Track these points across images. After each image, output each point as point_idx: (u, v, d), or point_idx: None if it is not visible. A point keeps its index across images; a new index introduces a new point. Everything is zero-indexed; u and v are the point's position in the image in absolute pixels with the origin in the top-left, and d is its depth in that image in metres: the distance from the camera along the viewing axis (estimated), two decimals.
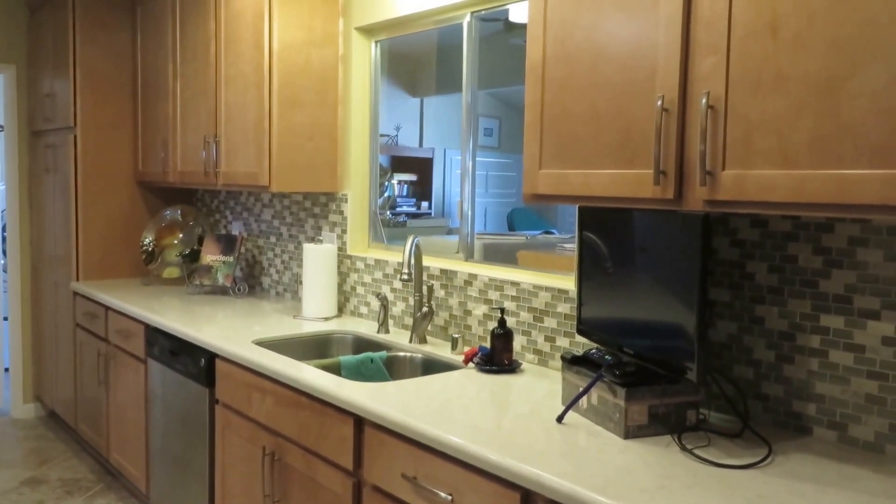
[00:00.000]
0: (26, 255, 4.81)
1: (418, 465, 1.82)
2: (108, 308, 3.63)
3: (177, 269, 4.01)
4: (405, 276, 2.47)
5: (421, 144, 6.03)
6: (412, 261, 2.53)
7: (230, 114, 3.28)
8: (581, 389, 1.84)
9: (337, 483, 2.11)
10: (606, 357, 1.86)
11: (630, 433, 1.72)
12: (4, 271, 5.03)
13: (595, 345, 2.10)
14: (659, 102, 1.59)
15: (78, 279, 4.10)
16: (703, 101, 1.51)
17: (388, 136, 5.69)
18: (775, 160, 1.42)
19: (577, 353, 1.96)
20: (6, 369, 5.02)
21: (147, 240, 4.05)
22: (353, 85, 3.20)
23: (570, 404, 1.81)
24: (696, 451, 1.64)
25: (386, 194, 5.29)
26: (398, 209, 5.64)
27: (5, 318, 4.95)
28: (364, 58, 3.21)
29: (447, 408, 1.93)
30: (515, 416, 1.87)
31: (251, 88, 3.11)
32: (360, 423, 2.03)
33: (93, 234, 4.12)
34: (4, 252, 5.13)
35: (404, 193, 5.89)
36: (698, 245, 1.59)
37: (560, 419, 1.83)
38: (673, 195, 1.59)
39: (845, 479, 1.51)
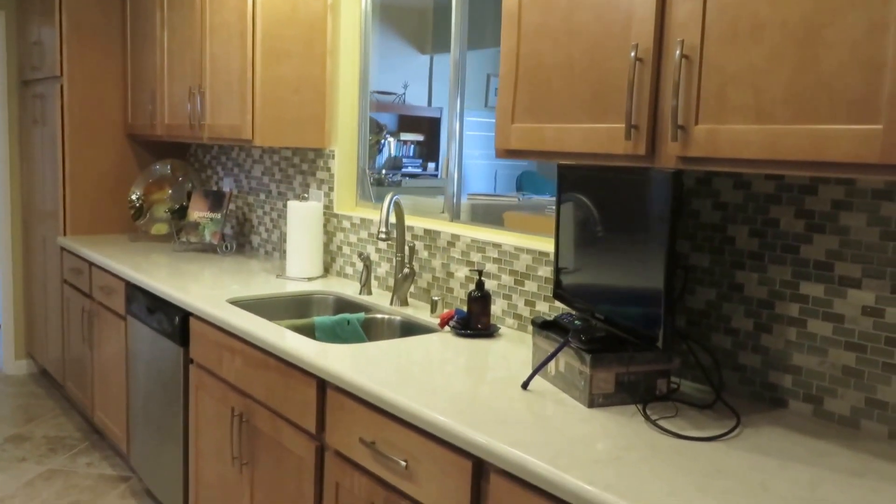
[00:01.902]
0: (17, 209, 4.84)
1: (377, 430, 1.81)
2: (91, 264, 3.65)
3: (165, 225, 4.02)
4: (382, 235, 2.45)
5: (430, 104, 5.96)
6: (390, 219, 2.50)
7: (215, 65, 3.25)
8: (547, 356, 1.81)
9: (301, 446, 2.11)
10: (576, 322, 1.83)
11: (595, 402, 1.69)
12: None
13: (570, 310, 2.07)
14: (633, 52, 1.54)
15: (65, 234, 4.12)
16: (678, 51, 1.45)
17: (394, 94, 5.63)
18: (749, 115, 1.37)
19: (548, 318, 1.93)
20: None
21: (135, 195, 4.06)
22: (343, 36, 3.14)
23: (536, 371, 1.79)
24: (661, 422, 1.61)
25: (387, 154, 5.25)
26: (404, 170, 5.60)
27: None
28: (354, 8, 3.16)
29: (413, 372, 1.91)
30: (483, 383, 1.85)
31: (235, 38, 3.07)
32: (324, 385, 2.02)
33: (81, 189, 4.13)
34: None
35: (410, 154, 5.84)
36: (669, 202, 1.54)
37: (525, 385, 1.80)
38: (645, 151, 1.55)
39: (813, 455, 1.48)
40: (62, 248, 4.09)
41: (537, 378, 1.88)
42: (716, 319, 1.84)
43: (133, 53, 4.05)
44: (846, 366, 1.61)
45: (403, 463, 1.71)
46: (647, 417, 1.63)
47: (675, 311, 1.88)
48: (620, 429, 1.57)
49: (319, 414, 2.04)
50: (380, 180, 4.58)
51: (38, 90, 4.39)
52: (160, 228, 4.02)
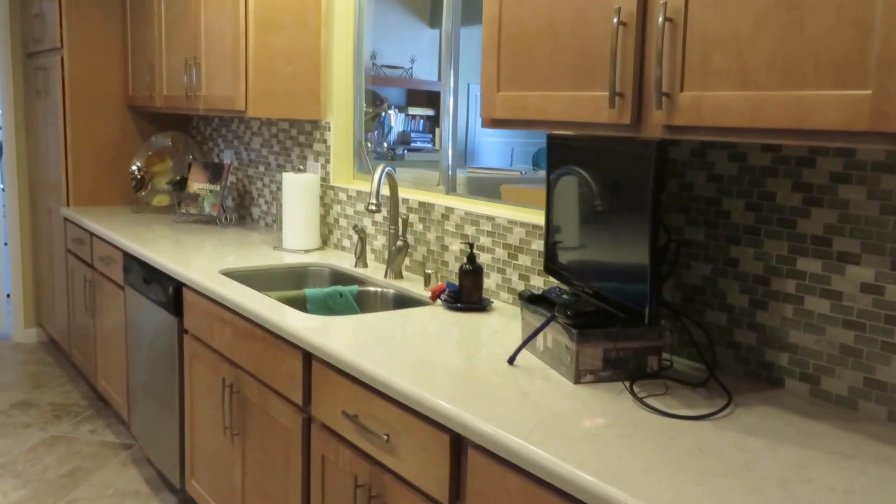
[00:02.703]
0: (23, 180, 4.79)
1: (359, 403, 1.74)
2: (92, 234, 3.59)
3: (166, 196, 3.95)
4: (372, 207, 2.36)
5: (439, 78, 5.83)
6: (380, 190, 2.41)
7: (210, 36, 3.15)
8: (533, 330, 1.73)
9: (288, 418, 2.05)
10: (564, 297, 1.75)
11: (581, 378, 1.61)
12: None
13: (561, 284, 1.99)
14: (616, 17, 1.43)
15: (68, 205, 4.06)
16: (661, 14, 1.35)
17: (401, 68, 5.51)
18: (734, 81, 1.27)
19: (537, 292, 1.85)
20: (8, 295, 5.06)
21: (136, 166, 3.99)
22: (338, 7, 3.04)
23: (522, 346, 1.71)
24: (648, 400, 1.53)
25: (389, 127, 5.14)
26: (413, 144, 5.49)
27: (6, 244, 4.97)
28: None
29: (400, 345, 1.84)
30: (469, 357, 1.77)
31: (228, 7, 2.98)
32: (309, 357, 1.95)
33: (83, 160, 4.07)
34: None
35: (419, 129, 5.73)
36: (652, 172, 1.45)
37: (511, 361, 1.73)
38: (630, 119, 1.45)
39: (804, 436, 1.39)
40: (65, 219, 4.04)
41: (525, 353, 1.80)
42: (710, 295, 1.75)
43: (133, 24, 3.96)
44: (844, 344, 1.52)
45: (385, 437, 1.65)
46: (633, 395, 1.55)
47: (661, 285, 1.79)
48: (604, 406, 1.50)
49: (306, 386, 1.97)
50: (388, 154, 4.49)
51: (41, 62, 4.31)
52: (161, 200, 3.96)
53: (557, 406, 1.48)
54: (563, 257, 1.86)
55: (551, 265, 1.94)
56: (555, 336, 1.69)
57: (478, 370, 1.68)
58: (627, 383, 1.61)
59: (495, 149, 5.75)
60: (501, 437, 1.33)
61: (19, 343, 4.88)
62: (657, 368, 1.68)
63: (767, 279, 1.64)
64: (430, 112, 5.76)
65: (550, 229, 1.94)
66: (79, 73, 3.99)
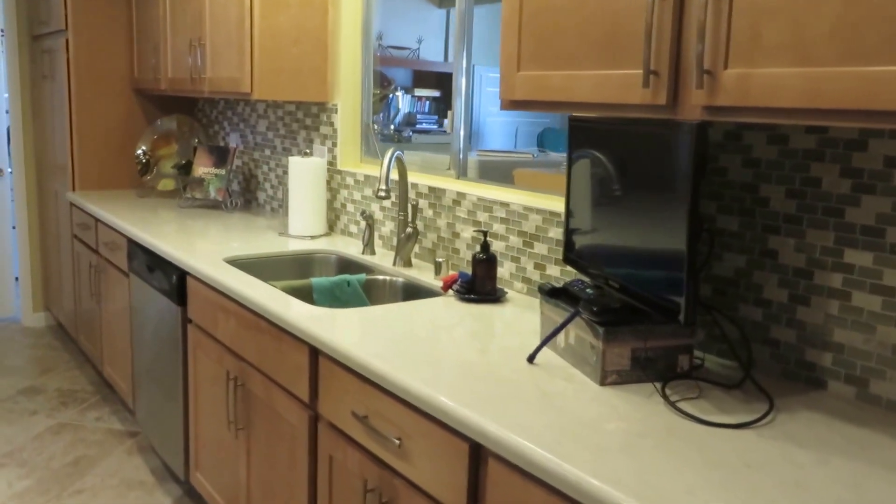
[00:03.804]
0: (31, 164, 4.63)
1: (369, 403, 1.59)
2: (97, 220, 3.44)
3: (172, 181, 3.79)
4: (382, 193, 2.20)
5: (446, 59, 5.63)
6: (390, 175, 2.24)
7: (214, 15, 2.97)
8: (555, 327, 1.57)
9: (294, 414, 1.90)
10: (587, 290, 1.59)
11: (607, 379, 1.45)
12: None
13: (582, 276, 1.82)
14: None
15: (74, 189, 3.91)
16: None
17: (408, 48, 5.31)
18: (788, 56, 1.10)
19: (557, 285, 1.68)
20: (16, 278, 4.92)
21: (141, 150, 3.82)
22: None
23: (542, 343, 1.55)
24: (681, 404, 1.37)
25: (396, 109, 4.96)
26: (419, 126, 5.30)
27: (14, 227, 4.82)
28: None
29: (411, 340, 1.68)
30: (486, 353, 1.62)
31: None
32: (316, 352, 1.80)
33: (89, 144, 3.90)
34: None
35: (426, 110, 5.54)
36: (690, 161, 1.28)
37: (531, 359, 1.57)
38: (665, 100, 1.28)
39: (856, 446, 1.24)
40: (71, 204, 3.88)
41: (545, 350, 1.64)
42: (745, 289, 1.59)
43: (138, 5, 3.78)
44: None
45: (397, 441, 1.49)
46: (665, 398, 1.39)
47: (700, 279, 1.62)
48: (635, 411, 1.34)
49: (312, 382, 1.82)
50: (390, 136, 4.31)
51: (47, 45, 4.14)
52: (167, 184, 3.80)
53: (584, 411, 1.33)
54: (585, 247, 1.70)
55: (571, 255, 1.78)
56: (578, 333, 1.53)
57: (496, 369, 1.52)
58: (658, 385, 1.45)
59: (499, 129, 5.55)
60: (526, 450, 1.18)
61: (27, 327, 4.74)
62: (688, 368, 1.52)
63: (810, 272, 1.48)
64: (437, 93, 5.56)
65: (571, 217, 1.77)
66: (84, 55, 3.82)
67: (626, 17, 1.35)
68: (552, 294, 1.64)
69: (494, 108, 5.58)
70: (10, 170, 4.74)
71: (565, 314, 1.57)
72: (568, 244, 1.79)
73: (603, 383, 1.45)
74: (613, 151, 1.58)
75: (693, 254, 1.29)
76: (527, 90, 1.56)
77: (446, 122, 5.58)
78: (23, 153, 4.58)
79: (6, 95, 4.60)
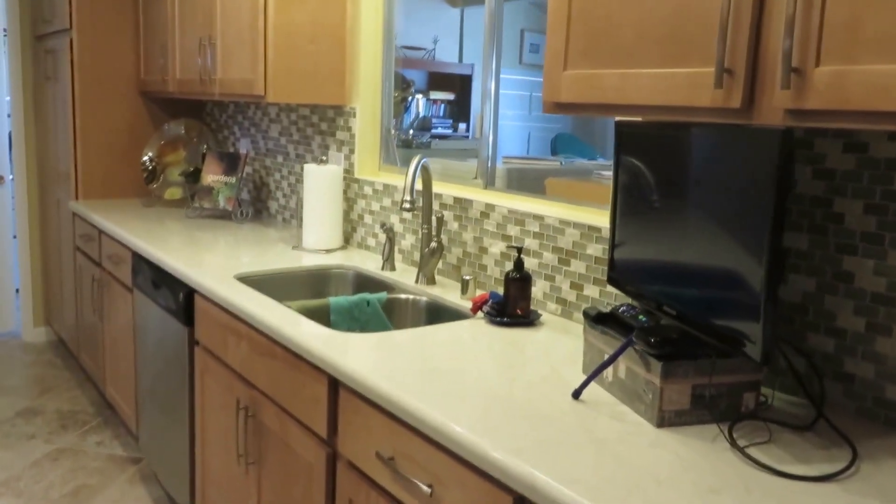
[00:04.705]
0: (32, 171, 4.56)
1: (396, 442, 1.46)
2: (100, 231, 3.34)
3: (179, 189, 3.69)
4: (406, 205, 2.08)
5: (461, 60, 5.52)
6: (416, 186, 2.13)
7: (225, 12, 2.88)
8: (605, 359, 1.44)
9: (310, 451, 1.78)
10: (640, 317, 1.46)
11: (666, 420, 1.32)
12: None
13: (629, 299, 1.70)
14: None
15: (77, 198, 3.82)
16: None
17: (422, 49, 5.21)
18: None
19: (604, 310, 1.56)
20: (17, 290, 4.85)
21: (148, 156, 3.73)
22: None
23: (590, 378, 1.42)
24: (752, 451, 1.24)
25: (417, 113, 4.85)
26: (433, 131, 5.19)
27: (14, 237, 4.74)
28: None
29: (440, 370, 1.56)
30: (523, 386, 1.49)
31: None
32: (336, 383, 1.68)
33: (93, 150, 3.81)
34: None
35: (440, 114, 5.43)
36: (773, 172, 1.15)
37: (577, 395, 1.44)
38: (741, 103, 1.16)
39: None
40: (74, 214, 3.79)
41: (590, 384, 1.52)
42: (815, 316, 1.45)
43: (145, 2, 3.69)
44: None
45: (427, 488, 1.37)
46: (733, 444, 1.26)
47: (778, 312, 1.48)
48: (701, 459, 1.21)
49: (331, 416, 1.70)
50: (407, 142, 4.19)
51: (50, 45, 4.06)
52: (174, 193, 3.70)
53: (644, 459, 1.20)
54: (633, 267, 1.57)
55: (616, 275, 1.65)
56: (629, 366, 1.40)
57: (537, 405, 1.39)
58: (725, 428, 1.31)
59: (513, 133, 5.42)
60: None
61: (27, 343, 4.66)
62: (754, 407, 1.38)
63: (891, 298, 1.34)
64: (451, 96, 5.44)
65: (616, 232, 1.64)
66: (88, 55, 3.73)
67: (694, 6, 1.23)
68: (598, 320, 1.51)
69: (509, 111, 5.43)
70: (11, 177, 4.67)
71: (613, 343, 1.45)
72: (613, 263, 1.66)
73: (660, 425, 1.32)
74: (669, 160, 1.45)
75: (773, 281, 1.16)
76: (575, 91, 1.44)
77: (462, 125, 5.48)
78: (24, 159, 4.51)
79: (7, 98, 4.53)
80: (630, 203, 1.59)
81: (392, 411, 1.44)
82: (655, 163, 1.50)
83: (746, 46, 1.14)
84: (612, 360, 1.40)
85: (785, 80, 1.08)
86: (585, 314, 1.55)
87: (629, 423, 1.34)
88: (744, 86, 1.15)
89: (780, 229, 1.16)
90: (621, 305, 1.55)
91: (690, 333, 1.37)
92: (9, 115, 4.54)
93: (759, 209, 1.18)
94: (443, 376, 1.53)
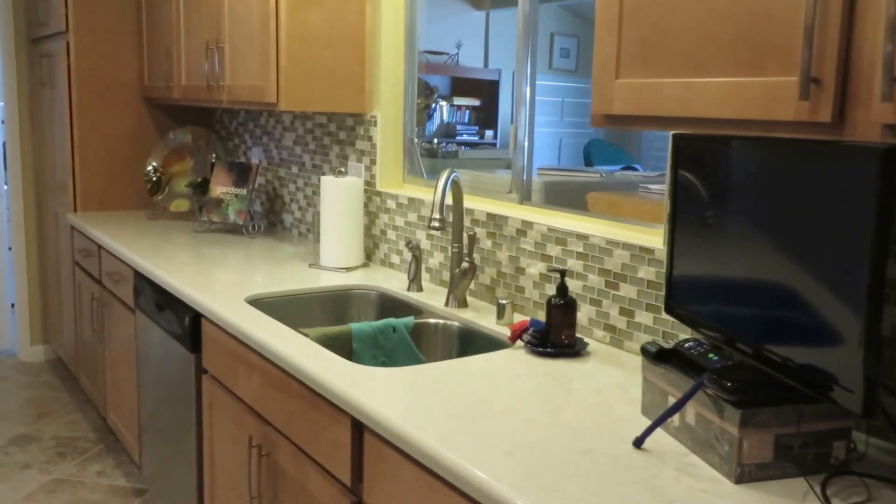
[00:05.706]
0: (29, 181, 4.50)
1: (430, 497, 1.36)
2: (100, 246, 3.27)
3: (186, 201, 3.62)
4: (436, 224, 1.98)
5: (486, 65, 5.44)
6: (446, 201, 2.03)
7: (234, 13, 2.80)
8: (670, 404, 1.34)
9: (332, 499, 1.68)
10: (710, 356, 1.35)
11: (746, 475, 1.21)
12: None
13: (692, 333, 1.59)
14: None
15: (76, 210, 3.75)
16: None
17: (445, 53, 5.13)
18: None
19: (666, 345, 1.45)
20: (12, 305, 4.79)
21: (152, 166, 3.66)
22: None
23: (655, 425, 1.32)
24: None
25: (441, 120, 4.77)
26: (458, 138, 5.11)
27: (10, 249, 4.68)
28: None
29: (479, 413, 1.46)
30: (575, 431, 1.39)
31: None
32: (360, 426, 1.58)
33: (92, 159, 3.75)
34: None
35: (465, 120, 5.35)
36: (873, 195, 1.04)
37: (639, 443, 1.33)
38: (831, 116, 1.05)
39: None
40: (72, 227, 3.72)
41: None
42: None
43: (148, 3, 3.63)
44: None
45: None
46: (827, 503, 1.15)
47: (880, 354, 1.37)
48: None
49: (355, 462, 1.60)
50: (432, 151, 4.10)
51: (46, 48, 4.01)
52: (180, 205, 3.62)
53: None
54: (697, 295, 1.46)
55: (676, 305, 1.55)
56: (699, 411, 1.30)
57: (594, 457, 1.29)
58: (817, 485, 1.20)
59: (541, 141, 5.33)
60: None
61: (24, 362, 4.60)
62: (844, 457, 1.27)
63: None
64: (477, 102, 5.36)
65: (676, 255, 1.54)
66: (87, 60, 3.67)
67: (770, 5, 1.12)
68: (661, 357, 1.41)
69: (538, 118, 5.33)
70: (6, 187, 4.62)
71: (679, 383, 1.34)
72: (671, 290, 1.56)
73: (740, 481, 1.21)
74: (737, 177, 1.34)
75: (874, 320, 1.05)
76: (628, 103, 1.34)
77: (488, 133, 5.39)
78: (20, 169, 4.46)
79: (1, 104, 4.48)
80: (690, 224, 1.49)
81: (426, 464, 1.34)
82: (720, 180, 1.39)
83: (837, 52, 1.04)
84: (681, 405, 1.29)
85: (885, 92, 0.97)
86: (644, 351, 1.45)
87: (702, 478, 1.23)
88: (834, 97, 1.04)
89: (883, 260, 1.05)
90: (686, 341, 1.44)
91: (771, 375, 1.27)
92: (2, 122, 4.49)
93: (855, 236, 1.08)
94: (482, 420, 1.43)
